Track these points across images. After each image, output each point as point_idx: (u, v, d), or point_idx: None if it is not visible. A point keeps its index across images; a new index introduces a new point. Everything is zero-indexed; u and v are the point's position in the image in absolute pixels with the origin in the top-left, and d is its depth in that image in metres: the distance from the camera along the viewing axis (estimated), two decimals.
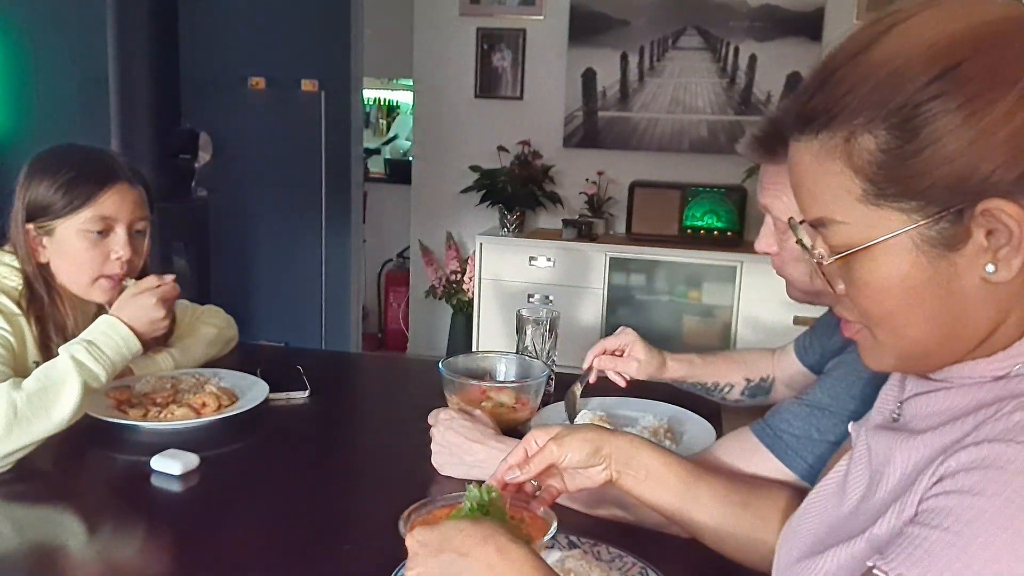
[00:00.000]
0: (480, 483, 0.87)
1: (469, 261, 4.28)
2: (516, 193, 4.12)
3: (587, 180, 4.18)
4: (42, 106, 3.79)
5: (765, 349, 1.53)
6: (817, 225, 0.66)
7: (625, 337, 1.47)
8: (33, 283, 1.41)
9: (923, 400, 0.69)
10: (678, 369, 1.48)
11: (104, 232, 1.42)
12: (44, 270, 1.43)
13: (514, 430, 1.33)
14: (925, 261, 0.61)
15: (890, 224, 0.62)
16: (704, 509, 0.92)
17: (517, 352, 1.52)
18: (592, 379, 1.47)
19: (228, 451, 1.35)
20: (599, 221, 4.08)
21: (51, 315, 1.41)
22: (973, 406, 0.63)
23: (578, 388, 1.45)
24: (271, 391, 1.51)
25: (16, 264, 1.42)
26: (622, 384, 1.47)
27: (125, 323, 1.36)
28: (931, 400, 0.68)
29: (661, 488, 0.92)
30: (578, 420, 1.36)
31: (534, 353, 1.51)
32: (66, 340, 1.38)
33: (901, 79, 0.59)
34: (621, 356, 1.46)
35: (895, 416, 0.73)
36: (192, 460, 1.23)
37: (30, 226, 1.41)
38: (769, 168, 1.13)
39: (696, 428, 1.40)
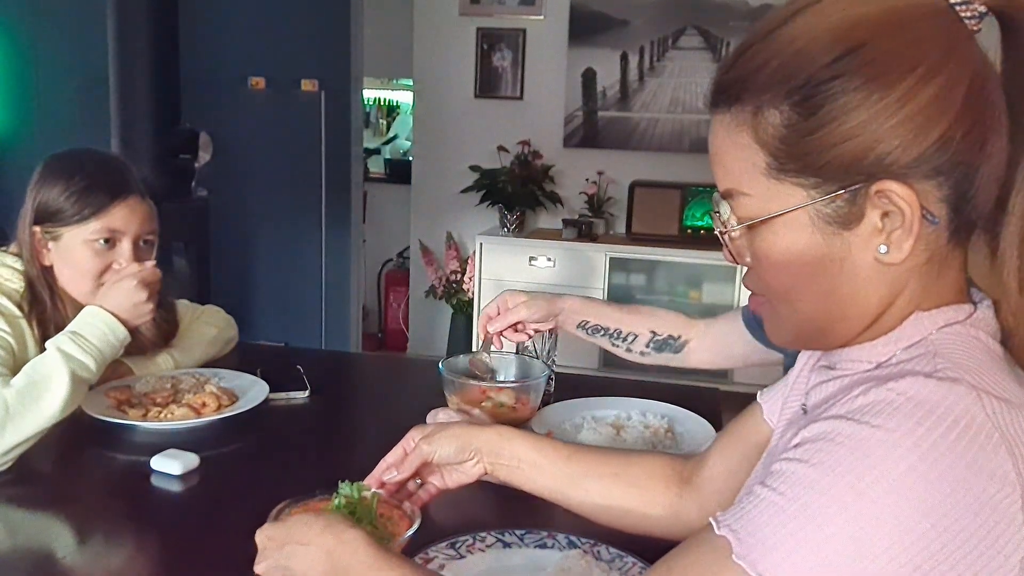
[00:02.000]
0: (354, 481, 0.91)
1: (469, 261, 4.28)
2: (516, 193, 4.12)
3: (587, 180, 4.18)
4: (42, 106, 3.79)
5: (681, 312, 1.49)
6: (727, 196, 0.68)
7: (501, 296, 1.42)
8: (35, 285, 1.41)
9: (820, 389, 0.71)
10: (573, 303, 1.43)
11: (110, 243, 1.42)
12: (47, 273, 1.43)
13: None
14: (821, 238, 0.63)
15: (789, 199, 0.63)
16: (580, 487, 0.94)
17: (517, 352, 1.52)
18: (496, 344, 1.42)
19: (228, 451, 1.35)
20: (599, 221, 4.08)
21: (52, 317, 1.41)
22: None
23: (485, 356, 1.42)
24: (271, 391, 1.51)
25: (18, 266, 1.42)
26: (524, 339, 1.43)
27: (108, 311, 1.36)
28: (824, 388, 0.70)
29: (536, 474, 0.95)
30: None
31: (534, 353, 1.50)
32: None
33: (806, 57, 0.61)
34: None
35: (804, 407, 0.75)
36: (192, 460, 1.23)
37: (37, 229, 1.41)
38: None
39: (696, 428, 1.40)
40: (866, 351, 0.66)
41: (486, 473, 0.95)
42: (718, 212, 0.71)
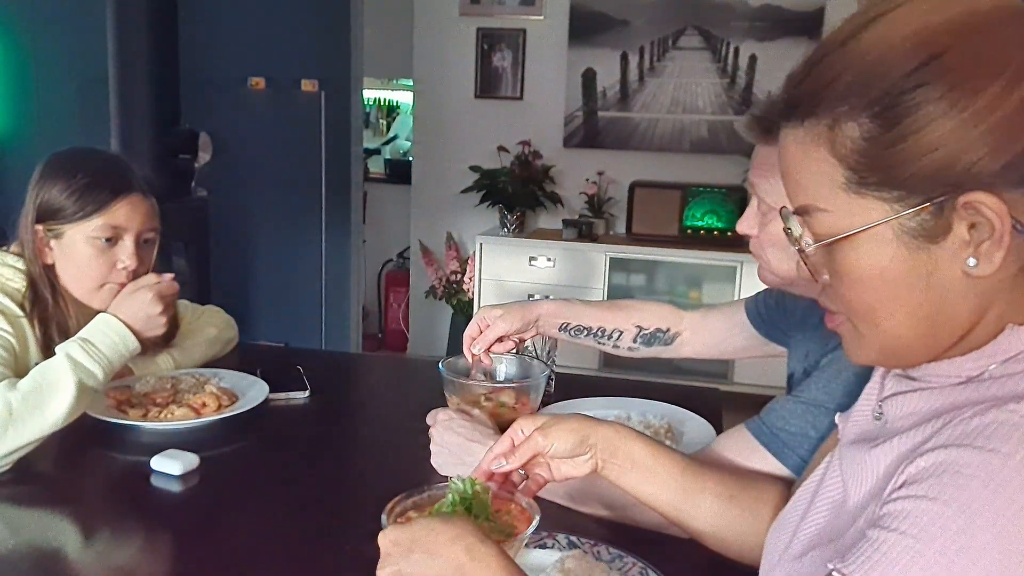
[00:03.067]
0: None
1: (469, 261, 4.28)
2: (516, 193, 4.12)
3: (587, 180, 4.18)
4: (42, 106, 3.79)
5: (666, 304, 1.48)
6: (802, 213, 0.66)
7: (479, 314, 1.37)
8: (37, 283, 1.41)
9: (900, 400, 0.68)
10: (549, 307, 1.40)
11: (112, 240, 1.42)
12: (49, 271, 1.43)
13: None
14: (905, 252, 0.60)
15: (871, 214, 0.61)
16: (692, 501, 0.92)
17: (517, 352, 1.52)
18: (486, 361, 1.36)
19: (228, 451, 1.35)
20: (599, 221, 4.08)
21: (54, 316, 1.41)
22: (943, 408, 0.63)
23: (480, 377, 1.38)
24: (271, 391, 1.51)
25: (20, 266, 1.42)
26: (511, 347, 1.39)
27: (122, 320, 1.36)
28: (907, 400, 0.67)
29: (648, 479, 0.92)
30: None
31: (534, 353, 1.50)
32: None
33: (885, 67, 0.59)
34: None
35: (877, 414, 0.72)
36: (192, 460, 1.23)
37: (39, 227, 1.41)
38: (763, 149, 1.14)
39: (696, 428, 1.40)
40: (955, 365, 0.64)
41: (595, 470, 0.92)
42: (789, 229, 0.68)
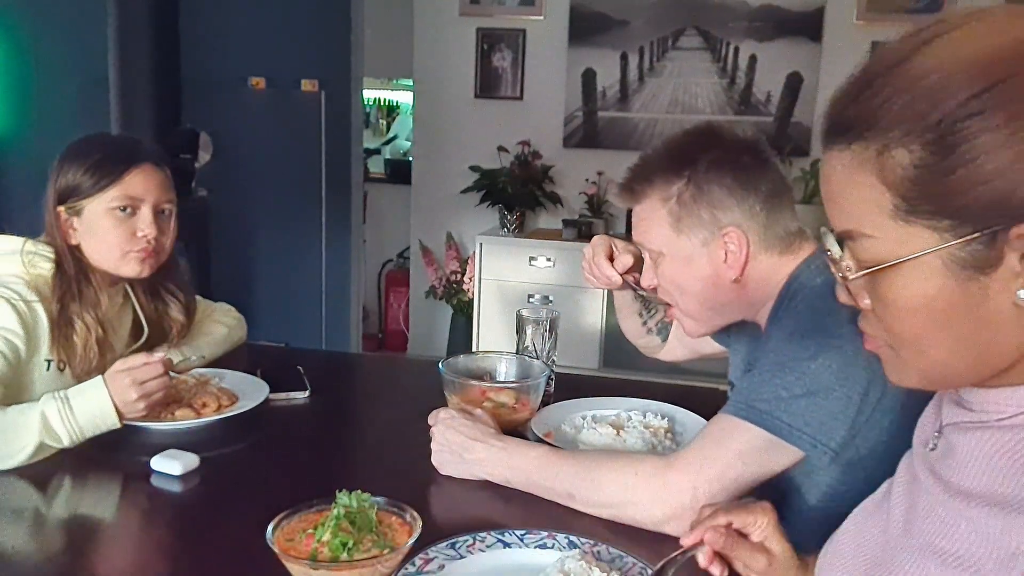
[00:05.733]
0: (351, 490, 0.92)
1: (469, 261, 4.28)
2: (516, 193, 4.13)
3: (587, 180, 4.18)
4: (42, 106, 3.78)
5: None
6: (845, 238, 0.64)
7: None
8: (63, 264, 1.44)
9: (964, 438, 0.66)
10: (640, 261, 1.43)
11: (131, 210, 1.45)
12: (75, 251, 1.46)
13: (514, 430, 1.33)
14: (954, 283, 0.59)
15: (920, 242, 0.59)
16: None
17: (517, 352, 1.52)
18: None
19: (228, 451, 1.35)
20: (599, 221, 4.08)
21: (84, 293, 1.43)
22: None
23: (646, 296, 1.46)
24: (271, 391, 1.52)
25: (47, 252, 1.44)
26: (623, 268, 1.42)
27: (111, 396, 1.29)
28: (971, 440, 0.65)
29: None
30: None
31: (534, 353, 1.51)
32: (97, 319, 1.41)
33: (940, 93, 0.57)
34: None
35: (933, 445, 0.71)
36: (192, 460, 1.23)
37: (61, 208, 1.44)
38: (636, 208, 1.21)
39: (696, 428, 1.39)
40: (1013, 395, 0.63)
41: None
42: (829, 251, 0.67)
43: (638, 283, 1.35)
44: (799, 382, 1.02)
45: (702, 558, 0.89)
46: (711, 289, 1.18)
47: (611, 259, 1.42)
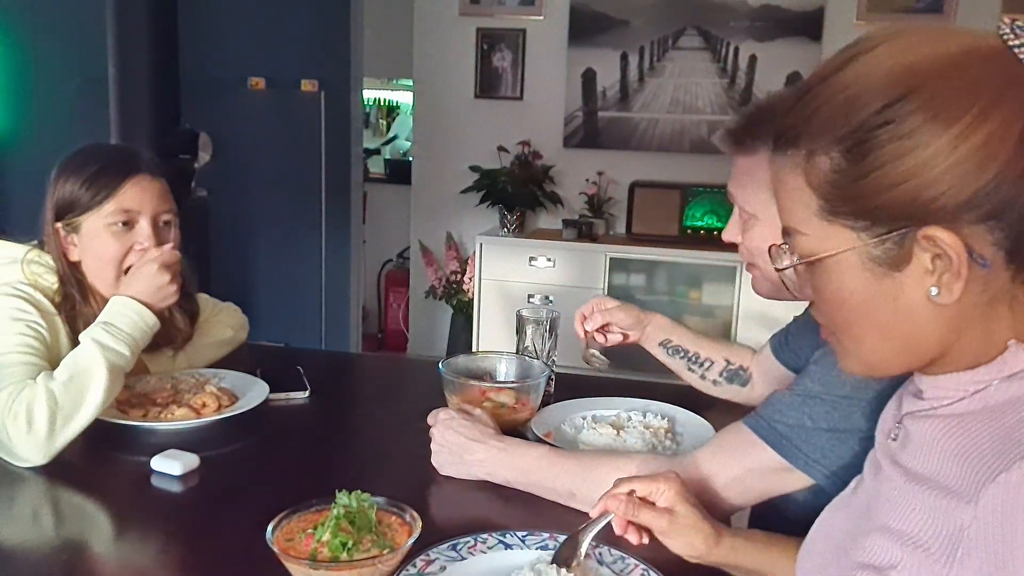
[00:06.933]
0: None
1: (469, 261, 4.28)
2: (516, 193, 4.12)
3: (587, 180, 4.18)
4: (42, 106, 3.79)
5: (747, 346, 1.56)
6: (786, 233, 0.71)
7: (594, 299, 1.48)
8: (65, 282, 1.43)
9: (918, 426, 0.70)
10: (661, 320, 1.51)
11: (129, 224, 1.43)
12: (76, 269, 1.44)
13: (514, 430, 1.33)
14: (871, 278, 0.65)
15: (840, 241, 0.66)
16: None
17: (517, 352, 1.52)
18: (600, 340, 1.50)
19: (228, 451, 1.35)
20: (599, 221, 4.08)
21: (83, 314, 1.42)
22: (985, 440, 0.62)
23: (596, 351, 1.50)
24: (271, 391, 1.51)
25: (49, 264, 1.43)
26: (602, 343, 1.50)
27: (134, 298, 1.37)
28: (924, 427, 0.69)
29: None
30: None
31: (534, 353, 1.50)
32: None
33: (856, 104, 0.62)
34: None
35: (894, 436, 0.74)
36: (192, 460, 1.23)
37: (59, 225, 1.43)
38: (739, 159, 1.18)
39: (696, 428, 1.40)
40: (955, 381, 0.67)
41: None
42: (781, 244, 0.73)
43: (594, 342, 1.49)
44: (827, 416, 1.00)
45: (617, 527, 0.93)
46: None
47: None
